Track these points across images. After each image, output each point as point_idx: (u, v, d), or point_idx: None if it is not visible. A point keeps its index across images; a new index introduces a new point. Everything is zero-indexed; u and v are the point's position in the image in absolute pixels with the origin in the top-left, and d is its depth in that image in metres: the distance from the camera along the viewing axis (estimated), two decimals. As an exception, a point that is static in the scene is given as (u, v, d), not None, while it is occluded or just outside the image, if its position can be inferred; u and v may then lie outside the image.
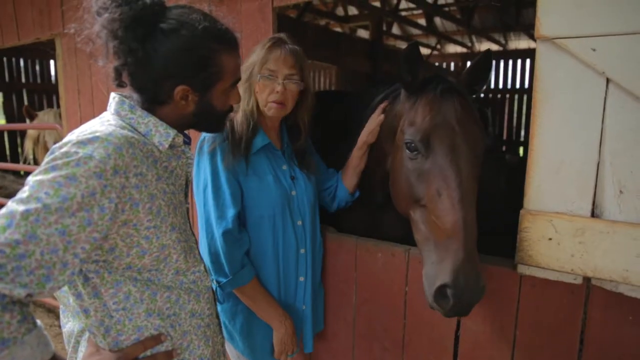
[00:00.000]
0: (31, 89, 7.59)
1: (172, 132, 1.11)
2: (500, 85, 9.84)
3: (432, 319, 1.67)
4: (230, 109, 1.22)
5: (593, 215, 1.28)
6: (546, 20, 1.26)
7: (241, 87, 1.56)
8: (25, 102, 7.36)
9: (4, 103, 7.32)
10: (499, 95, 9.85)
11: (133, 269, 1.06)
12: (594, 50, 1.20)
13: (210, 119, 1.19)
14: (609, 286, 1.31)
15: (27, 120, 4.58)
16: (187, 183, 1.26)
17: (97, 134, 0.96)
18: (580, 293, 1.38)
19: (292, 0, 1.89)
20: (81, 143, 0.93)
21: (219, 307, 1.68)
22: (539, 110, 1.32)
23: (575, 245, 1.29)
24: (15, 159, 7.33)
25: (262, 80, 1.53)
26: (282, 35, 1.59)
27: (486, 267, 1.53)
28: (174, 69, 1.05)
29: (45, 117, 4.52)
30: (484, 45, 9.88)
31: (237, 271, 1.56)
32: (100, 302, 1.04)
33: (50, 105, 7.68)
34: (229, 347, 1.75)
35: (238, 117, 1.58)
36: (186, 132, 1.25)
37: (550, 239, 1.33)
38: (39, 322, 0.90)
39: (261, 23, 1.95)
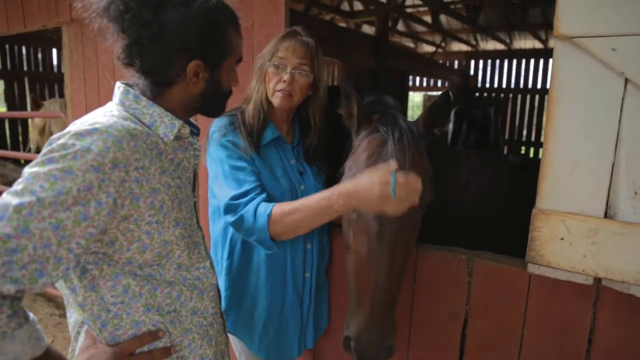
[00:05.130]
0: (33, 77, 7.54)
1: (178, 123, 1.08)
2: (504, 85, 9.85)
3: (438, 317, 1.67)
4: (230, 92, 1.18)
5: (606, 216, 1.28)
6: (566, 19, 1.25)
7: (254, 76, 1.58)
8: (27, 90, 7.34)
9: (5, 91, 7.29)
10: (502, 95, 9.86)
11: (134, 264, 1.03)
12: (613, 50, 1.19)
13: (216, 99, 1.15)
14: (620, 287, 1.30)
15: (29, 109, 4.57)
16: (195, 176, 1.22)
17: (97, 126, 0.92)
18: (589, 294, 1.38)
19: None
20: (79, 135, 0.90)
21: (222, 295, 1.67)
22: (554, 109, 1.31)
23: (587, 245, 1.29)
24: (15, 146, 7.30)
25: (271, 68, 1.53)
26: (297, 27, 1.59)
27: (495, 265, 1.53)
28: (189, 41, 1.01)
29: (51, 106, 4.50)
30: (488, 44, 9.86)
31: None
32: (97, 295, 1.01)
33: (51, 93, 7.66)
34: (232, 338, 1.74)
35: (250, 108, 1.57)
36: (195, 122, 1.22)
37: (562, 239, 1.32)
38: (31, 316, 0.88)
39: (273, 15, 1.93)
